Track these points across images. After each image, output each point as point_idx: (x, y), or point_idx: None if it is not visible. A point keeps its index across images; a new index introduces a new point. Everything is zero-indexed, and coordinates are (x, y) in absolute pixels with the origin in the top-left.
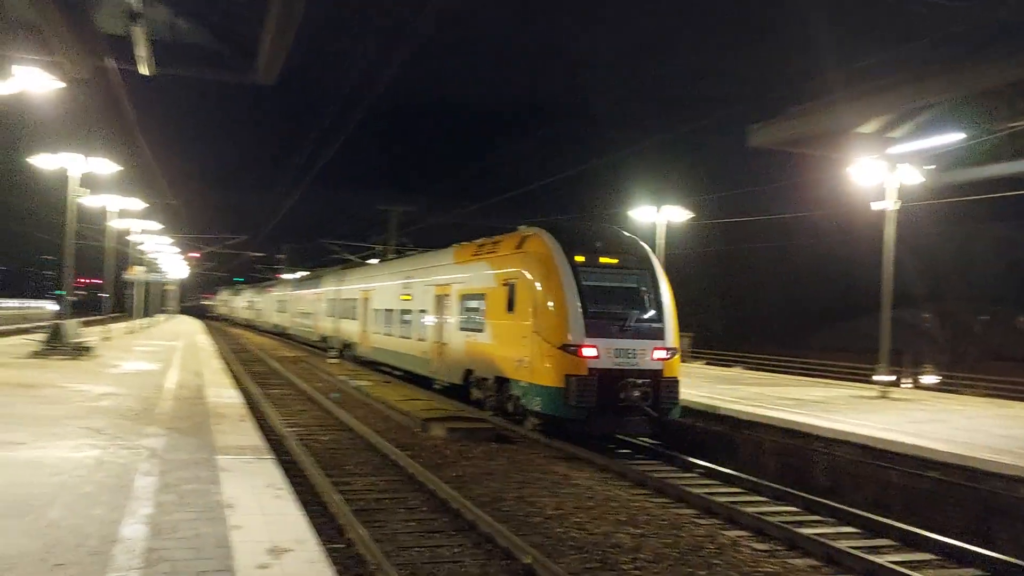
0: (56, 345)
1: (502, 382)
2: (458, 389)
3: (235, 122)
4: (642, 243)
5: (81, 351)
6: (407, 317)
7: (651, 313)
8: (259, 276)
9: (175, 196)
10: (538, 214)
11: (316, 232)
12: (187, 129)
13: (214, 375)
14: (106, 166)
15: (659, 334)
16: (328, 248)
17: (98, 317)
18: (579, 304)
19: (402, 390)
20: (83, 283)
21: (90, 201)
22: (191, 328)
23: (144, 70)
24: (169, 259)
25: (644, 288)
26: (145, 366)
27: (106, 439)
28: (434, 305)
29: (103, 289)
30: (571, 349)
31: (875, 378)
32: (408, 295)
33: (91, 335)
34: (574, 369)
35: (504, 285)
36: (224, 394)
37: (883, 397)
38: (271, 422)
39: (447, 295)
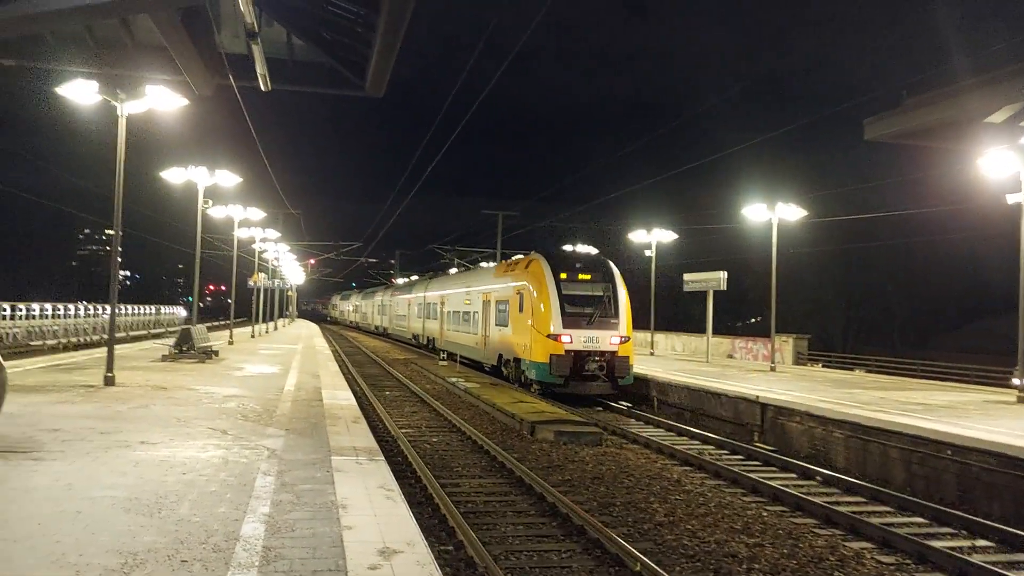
0: (185, 349)
1: (518, 361)
2: (496, 370)
3: (348, 134)
4: (611, 264)
5: (208, 355)
6: (466, 317)
7: (609, 312)
8: (374, 281)
9: (293, 206)
10: (634, 216)
11: (426, 238)
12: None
13: (330, 377)
14: (229, 178)
15: (615, 326)
16: (437, 253)
17: (224, 322)
18: (559, 306)
19: (508, 393)
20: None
21: (216, 212)
22: (309, 332)
23: (263, 86)
24: (288, 266)
25: (607, 295)
26: (267, 369)
27: (231, 439)
28: (482, 307)
29: (229, 295)
30: (553, 336)
31: (1015, 382)
32: (468, 300)
33: (217, 339)
34: (555, 350)
35: (517, 293)
36: (339, 396)
37: (1022, 403)
38: (383, 424)
39: (488, 300)
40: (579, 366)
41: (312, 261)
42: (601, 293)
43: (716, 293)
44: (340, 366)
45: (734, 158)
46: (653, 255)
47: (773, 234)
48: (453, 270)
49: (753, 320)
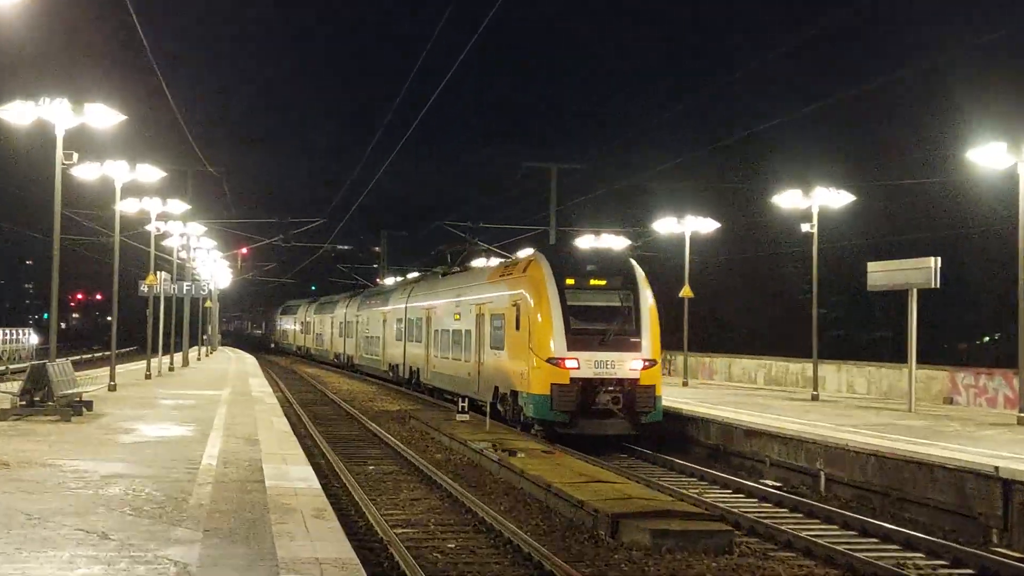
0: (39, 399)
1: (515, 395)
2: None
3: (305, 51)
4: (633, 265)
5: (77, 408)
6: (457, 338)
7: (629, 328)
8: (347, 283)
9: (214, 163)
10: (780, 169)
11: (431, 211)
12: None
13: (277, 442)
14: (106, 116)
15: (636, 347)
16: (451, 234)
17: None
18: (563, 322)
19: (570, 466)
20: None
21: (85, 171)
22: (241, 367)
23: None
24: (207, 261)
25: (626, 306)
26: (173, 431)
27: (114, 548)
28: (475, 324)
29: (109, 309)
30: (554, 361)
31: None
32: (458, 314)
33: (92, 382)
34: (557, 378)
35: (513, 305)
36: (292, 473)
37: None
38: (365, 518)
39: (482, 314)
40: (589, 399)
41: (245, 251)
42: (619, 303)
43: (924, 294)
44: (293, 423)
45: (766, 136)
46: (814, 232)
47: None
48: (479, 262)
49: (986, 339)
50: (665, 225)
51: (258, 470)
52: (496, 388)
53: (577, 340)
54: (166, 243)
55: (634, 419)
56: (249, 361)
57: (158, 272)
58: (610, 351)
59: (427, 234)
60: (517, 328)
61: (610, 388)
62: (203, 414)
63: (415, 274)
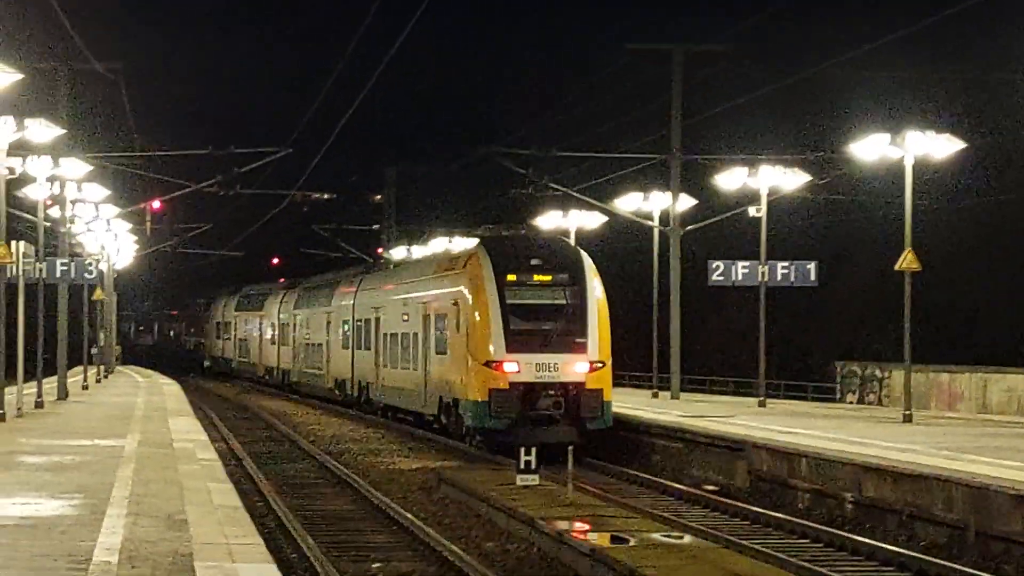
0: None
1: (456, 403)
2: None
3: None
4: (583, 257)
5: None
6: (405, 342)
7: (575, 327)
8: (330, 258)
9: (103, 57)
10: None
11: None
12: None
13: (218, 523)
14: None
15: (582, 348)
16: (504, 170)
17: None
18: (502, 322)
19: (718, 562)
20: None
21: None
22: (157, 400)
23: None
24: (100, 225)
25: (572, 303)
26: (46, 507)
27: None
28: (421, 325)
29: None
30: (492, 364)
31: None
32: (406, 314)
33: None
34: (496, 383)
35: (454, 304)
36: None
37: None
38: None
39: (428, 314)
40: (530, 404)
41: (157, 205)
42: (564, 300)
43: None
44: (243, 491)
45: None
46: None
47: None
48: (553, 218)
49: None
50: (869, 147)
51: (188, 572)
52: (440, 398)
53: (517, 341)
54: (25, 193)
55: (579, 426)
56: (170, 391)
57: (12, 243)
58: (553, 353)
59: (464, 170)
60: (457, 330)
61: (552, 392)
62: (95, 478)
63: (441, 241)
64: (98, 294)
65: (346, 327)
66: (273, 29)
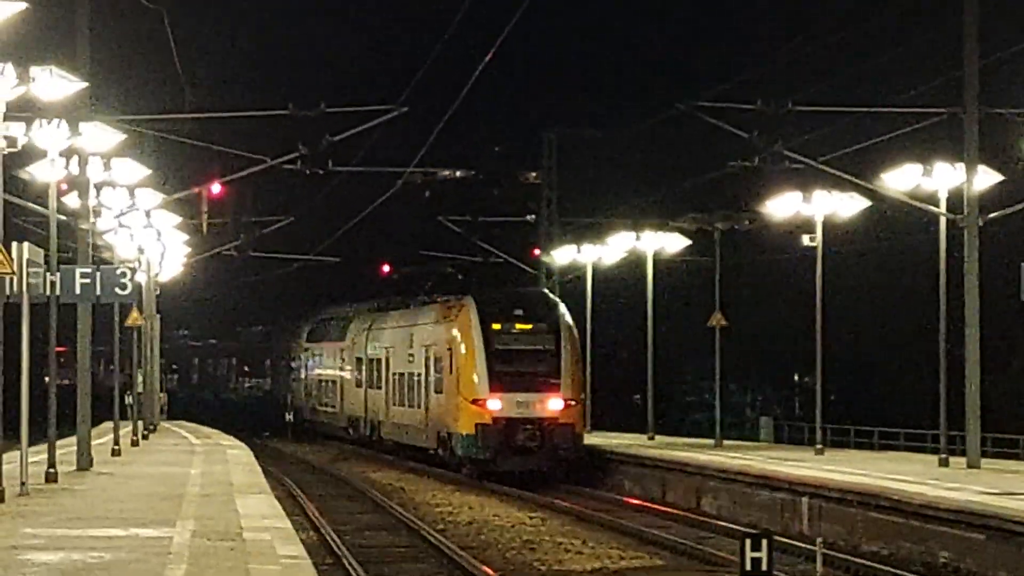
0: None
1: (450, 436)
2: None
3: None
4: (560, 308)
5: None
6: (412, 382)
7: (551, 370)
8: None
9: None
10: None
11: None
12: None
13: None
14: None
15: (556, 388)
16: (721, 132)
17: None
18: (486, 365)
19: None
20: None
21: None
22: (219, 472)
23: None
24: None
25: (548, 348)
26: None
27: None
28: (423, 366)
29: None
30: (479, 402)
31: None
32: (412, 355)
33: None
34: (481, 418)
35: (448, 349)
36: None
37: None
38: None
39: (429, 356)
40: (511, 437)
41: (218, 188)
42: (542, 346)
43: None
44: None
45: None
46: None
47: None
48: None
49: None
50: None
51: None
52: (438, 433)
53: (500, 382)
54: (31, 174)
55: (554, 456)
56: (236, 457)
57: (14, 246)
58: (531, 392)
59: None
60: (450, 371)
61: (528, 427)
62: None
63: (626, 239)
64: (134, 318)
65: (354, 367)
66: None
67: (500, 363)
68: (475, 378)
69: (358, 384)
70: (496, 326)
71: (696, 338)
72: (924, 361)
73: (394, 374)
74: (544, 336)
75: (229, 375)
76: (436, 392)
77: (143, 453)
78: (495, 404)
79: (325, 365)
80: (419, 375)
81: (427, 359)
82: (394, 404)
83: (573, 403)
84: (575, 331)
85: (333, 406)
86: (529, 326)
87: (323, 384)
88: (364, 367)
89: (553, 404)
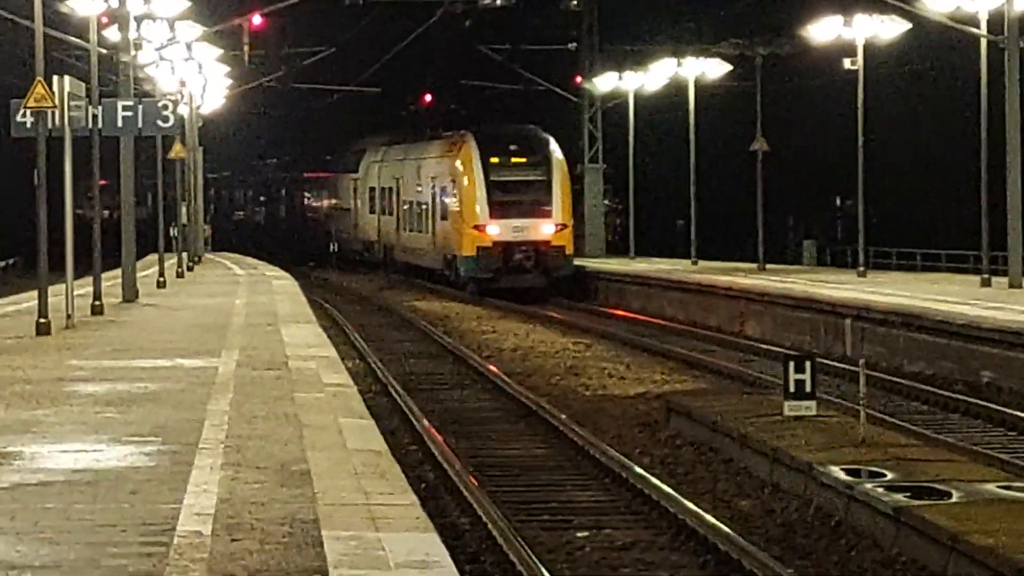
0: None
1: (455, 259)
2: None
3: None
4: (550, 143)
5: None
6: (420, 210)
7: (543, 198)
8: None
9: None
10: None
11: None
12: None
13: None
14: None
15: (548, 214)
16: None
17: None
18: (486, 194)
19: None
20: None
21: None
22: (263, 301)
23: None
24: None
25: (542, 179)
26: (108, 455)
27: None
28: (430, 195)
29: None
30: (479, 227)
31: None
32: (420, 185)
33: None
34: (481, 242)
35: (452, 180)
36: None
37: None
38: None
39: (435, 187)
40: (509, 258)
41: (259, 20)
42: (536, 177)
43: None
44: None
45: None
46: None
47: None
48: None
49: None
50: None
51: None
52: (444, 255)
53: (498, 209)
54: (71, 7)
55: (547, 274)
56: (282, 288)
57: (55, 79)
58: (526, 218)
59: None
60: (455, 200)
61: (524, 248)
62: (177, 415)
63: (668, 65)
64: (177, 150)
65: (369, 195)
66: None
67: (498, 192)
68: (476, 206)
69: (371, 211)
70: (494, 160)
71: (739, 164)
72: (966, 183)
73: (404, 202)
74: (537, 168)
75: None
76: (442, 219)
77: (188, 284)
78: (494, 229)
79: (340, 195)
80: (426, 203)
81: (433, 189)
82: (405, 230)
83: (563, 227)
84: (564, 163)
85: (348, 232)
86: (523, 159)
87: (338, 212)
88: (376, 196)
89: (545, 228)
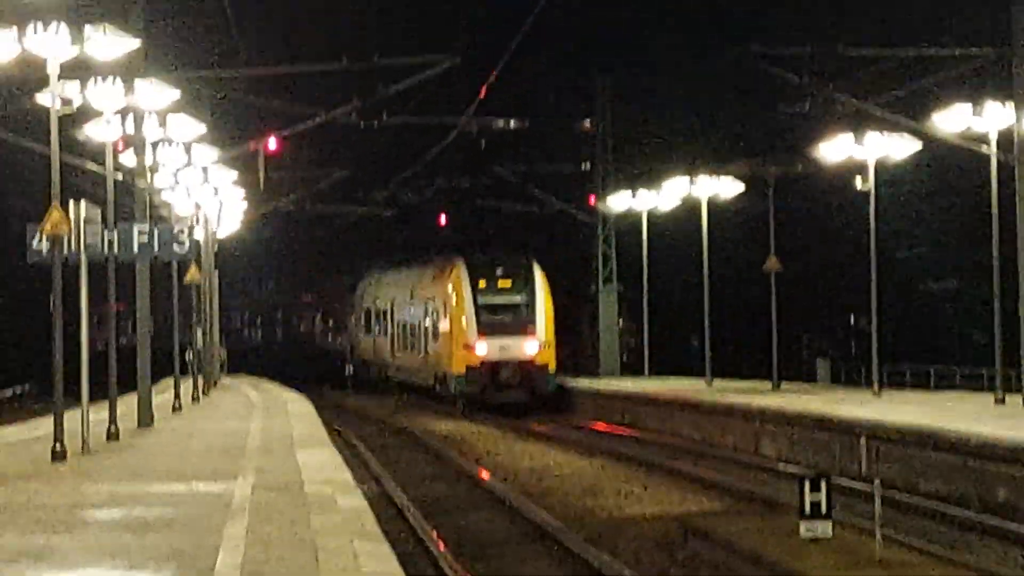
0: None
1: (446, 376)
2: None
3: None
4: (534, 267)
5: None
6: (414, 330)
7: (527, 318)
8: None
9: None
10: None
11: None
12: None
13: None
14: None
15: (531, 333)
16: (773, 76)
17: None
18: (475, 315)
19: None
20: None
21: None
22: (278, 426)
23: None
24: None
25: (526, 301)
26: None
27: None
28: (422, 315)
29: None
30: (468, 347)
31: None
32: (413, 307)
33: None
34: (470, 360)
35: (443, 303)
36: None
37: None
38: None
39: (427, 308)
40: (495, 376)
41: (274, 144)
42: (520, 300)
43: None
44: None
45: None
46: None
47: None
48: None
49: None
50: None
51: None
52: (435, 373)
53: (486, 329)
54: (87, 133)
55: (531, 391)
56: (297, 411)
57: (71, 204)
58: (510, 337)
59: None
60: (445, 321)
61: (510, 366)
62: (192, 540)
63: (680, 183)
64: (192, 275)
65: (367, 315)
66: None
67: (486, 314)
68: (465, 327)
69: (368, 332)
70: (482, 283)
71: (752, 282)
72: (978, 300)
73: (399, 323)
74: (521, 291)
75: (304, 330)
76: (434, 339)
77: (204, 408)
78: (482, 348)
79: (345, 316)
80: (419, 324)
81: (426, 310)
82: (399, 349)
83: (547, 347)
84: (547, 285)
85: (354, 352)
86: (509, 283)
87: (348, 332)
88: (373, 317)
89: (529, 347)
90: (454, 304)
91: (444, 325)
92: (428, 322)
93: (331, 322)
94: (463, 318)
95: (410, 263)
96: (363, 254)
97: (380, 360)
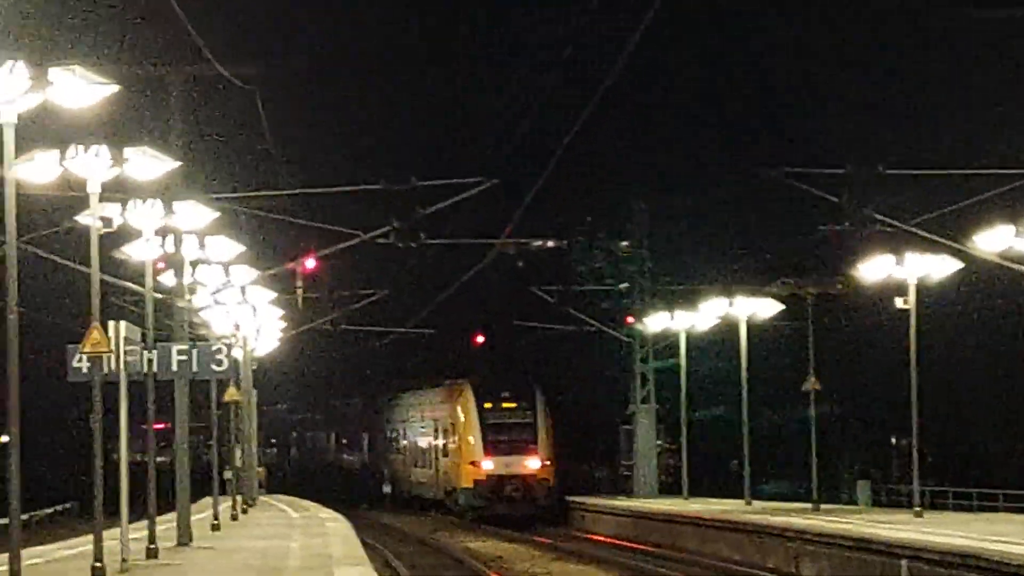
0: None
1: (455, 490)
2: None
3: None
4: (535, 390)
5: None
6: (425, 451)
7: (530, 437)
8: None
9: (238, 64)
10: None
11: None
12: None
13: None
14: None
15: (534, 451)
16: (810, 196)
17: None
18: (481, 435)
19: None
20: None
21: None
22: (313, 545)
23: None
24: (232, 296)
25: (528, 421)
26: None
27: None
28: (433, 435)
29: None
30: (475, 463)
31: None
32: (424, 427)
33: None
34: (477, 475)
35: (452, 423)
36: None
37: None
38: None
39: (437, 428)
40: (500, 489)
41: (312, 262)
42: (523, 419)
43: None
44: None
45: None
46: None
47: None
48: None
49: None
50: None
51: None
52: (445, 488)
53: (491, 447)
54: (126, 254)
55: (533, 504)
56: (335, 530)
57: (111, 324)
58: (514, 455)
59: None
60: (454, 440)
61: (514, 481)
62: None
63: (718, 304)
64: (231, 394)
65: (384, 434)
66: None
67: (491, 433)
68: (473, 445)
69: (385, 450)
70: (488, 405)
71: (791, 402)
72: (1022, 421)
73: (412, 441)
74: (524, 411)
75: (325, 447)
76: (443, 456)
77: (243, 527)
78: (488, 465)
79: (371, 437)
80: (430, 442)
81: (436, 429)
82: (412, 465)
83: (548, 463)
84: (548, 406)
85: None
86: (513, 404)
87: (381, 452)
88: (388, 436)
89: (531, 463)
90: (463, 424)
91: (453, 443)
92: (439, 440)
93: (344, 441)
94: (471, 436)
95: (422, 386)
96: (393, 373)
97: (395, 476)
